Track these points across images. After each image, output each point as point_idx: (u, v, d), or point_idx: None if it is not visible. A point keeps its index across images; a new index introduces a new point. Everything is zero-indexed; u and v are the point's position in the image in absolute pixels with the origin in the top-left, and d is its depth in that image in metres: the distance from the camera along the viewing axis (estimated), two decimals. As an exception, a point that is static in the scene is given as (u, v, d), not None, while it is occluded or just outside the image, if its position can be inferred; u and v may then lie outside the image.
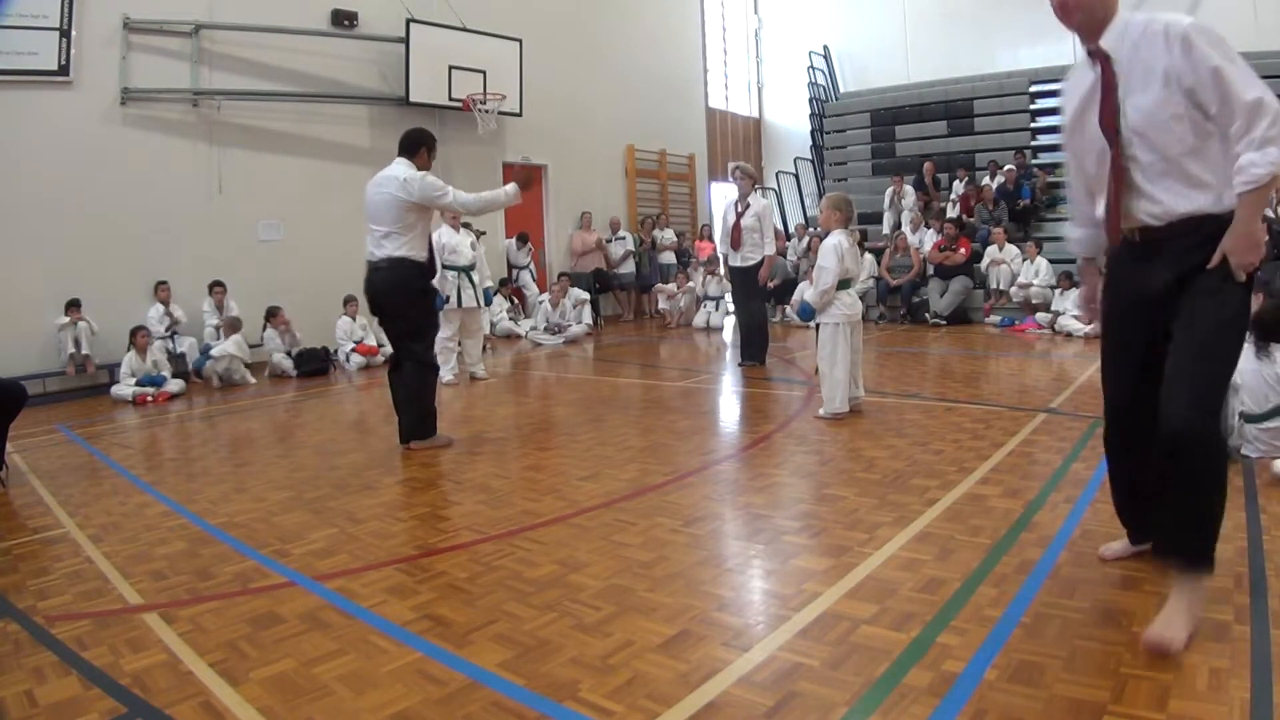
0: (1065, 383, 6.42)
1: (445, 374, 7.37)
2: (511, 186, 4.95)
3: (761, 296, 7.76)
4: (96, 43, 8.10)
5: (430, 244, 4.96)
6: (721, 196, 16.54)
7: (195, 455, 5.28)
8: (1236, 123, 2.07)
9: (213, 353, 8.14)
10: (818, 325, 5.40)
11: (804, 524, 3.32)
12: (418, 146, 4.86)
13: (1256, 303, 4.89)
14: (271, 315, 8.71)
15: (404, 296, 4.76)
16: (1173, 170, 2.20)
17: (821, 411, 5.30)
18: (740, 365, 7.69)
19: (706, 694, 2.06)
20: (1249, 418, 3.84)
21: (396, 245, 4.70)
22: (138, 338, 7.60)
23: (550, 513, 3.61)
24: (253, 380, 8.20)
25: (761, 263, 7.41)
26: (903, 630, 2.34)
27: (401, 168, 4.79)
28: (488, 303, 9.82)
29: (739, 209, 7.42)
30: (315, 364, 8.72)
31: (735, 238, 7.44)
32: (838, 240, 5.21)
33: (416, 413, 4.87)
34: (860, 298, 12.04)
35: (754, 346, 7.68)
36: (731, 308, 12.57)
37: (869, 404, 5.77)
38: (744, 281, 7.56)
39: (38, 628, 2.62)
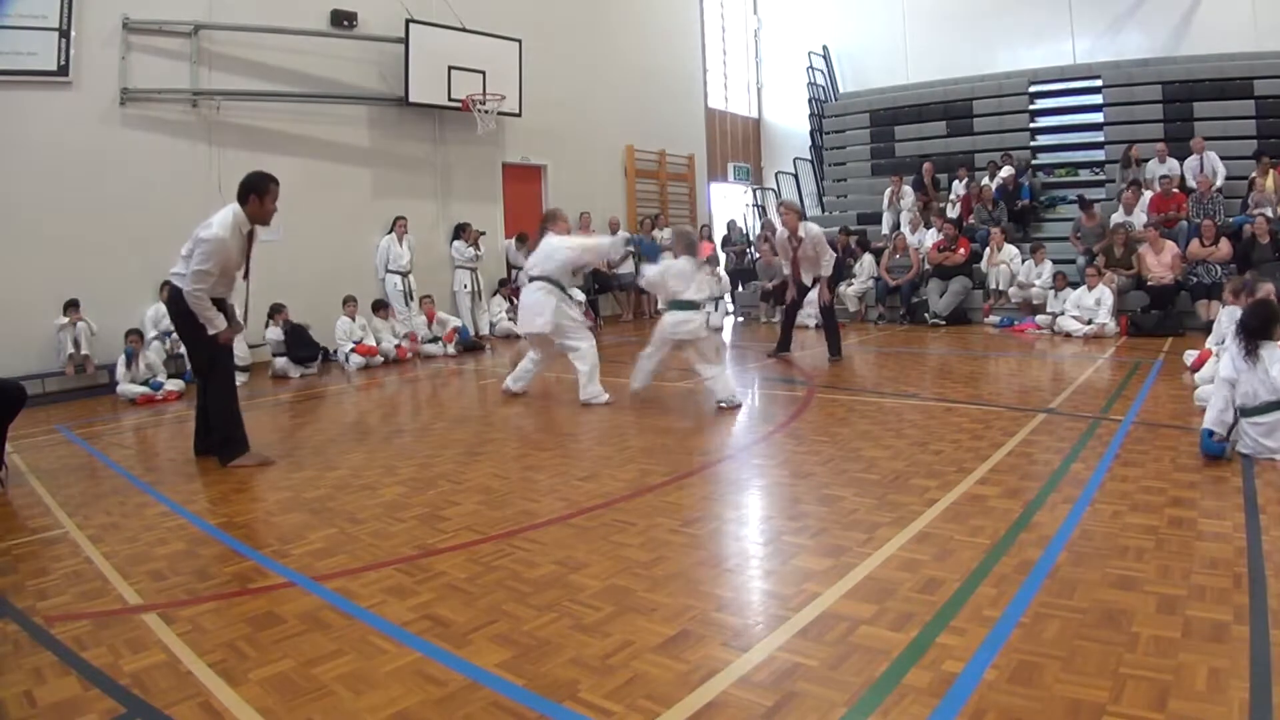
0: (1064, 383, 6.42)
1: (599, 391, 6.26)
2: (221, 321, 4.75)
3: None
4: (96, 43, 8.09)
5: (215, 286, 4.65)
6: (721, 196, 16.56)
7: (194, 455, 5.26)
8: None
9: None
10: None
11: (804, 524, 3.32)
12: (246, 193, 4.66)
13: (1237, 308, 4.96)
14: (275, 313, 8.70)
15: (182, 319, 4.73)
16: None
17: (632, 387, 6.22)
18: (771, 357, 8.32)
19: (706, 694, 2.06)
20: (1243, 411, 3.88)
21: (180, 277, 4.64)
22: (130, 340, 7.60)
23: (550, 513, 3.61)
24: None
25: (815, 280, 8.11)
26: (902, 630, 2.34)
27: (223, 215, 4.62)
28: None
29: (793, 243, 7.97)
30: (305, 350, 8.74)
31: (796, 272, 8.14)
32: (676, 265, 5.91)
33: (217, 437, 4.81)
34: (859, 298, 12.12)
35: (834, 339, 8.20)
36: (730, 307, 12.72)
37: (869, 404, 5.78)
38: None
39: (37, 628, 2.62)
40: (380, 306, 9.55)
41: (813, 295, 8.40)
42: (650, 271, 6.08)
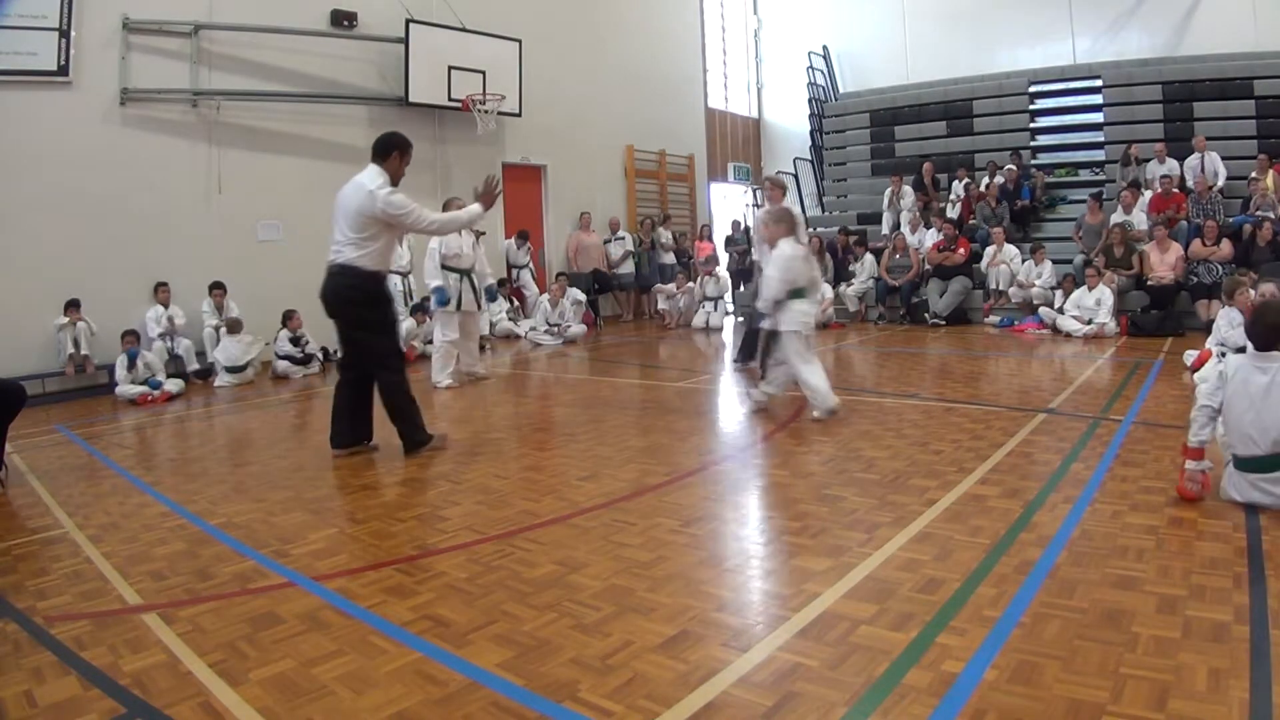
0: (1065, 383, 6.42)
1: (443, 379, 7.26)
2: (476, 206, 4.99)
3: None
4: (96, 43, 8.10)
5: (388, 256, 4.80)
6: (721, 196, 16.55)
7: (194, 455, 5.27)
8: None
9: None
10: (775, 333, 5.34)
11: (804, 524, 3.32)
12: (389, 151, 4.67)
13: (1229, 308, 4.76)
14: (287, 319, 8.69)
15: (358, 303, 4.65)
16: None
17: (815, 414, 5.21)
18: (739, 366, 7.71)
19: (706, 694, 2.06)
20: None
21: (354, 254, 4.58)
22: (126, 341, 7.59)
23: (549, 513, 3.61)
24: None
25: None
26: (902, 630, 2.34)
27: (371, 176, 4.60)
28: (491, 299, 9.76)
29: None
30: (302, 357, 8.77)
31: None
32: (789, 250, 5.27)
33: (405, 426, 4.83)
34: (859, 298, 12.08)
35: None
36: (730, 308, 12.68)
37: (869, 404, 5.78)
38: None
39: (37, 628, 2.62)
40: (418, 310, 9.48)
41: (760, 301, 8.16)
42: (771, 275, 5.26)
